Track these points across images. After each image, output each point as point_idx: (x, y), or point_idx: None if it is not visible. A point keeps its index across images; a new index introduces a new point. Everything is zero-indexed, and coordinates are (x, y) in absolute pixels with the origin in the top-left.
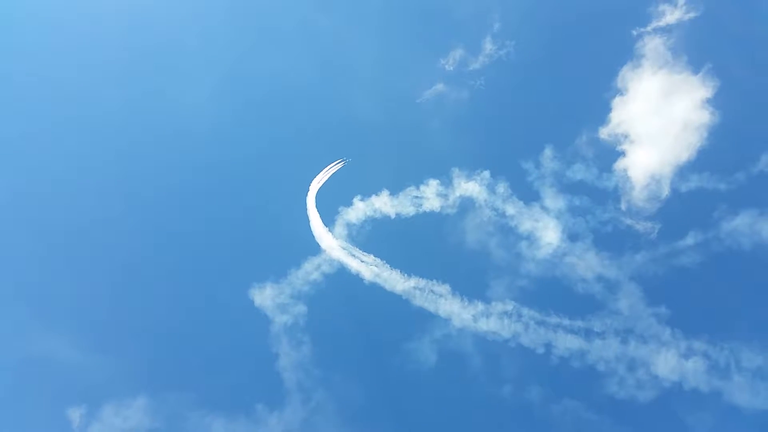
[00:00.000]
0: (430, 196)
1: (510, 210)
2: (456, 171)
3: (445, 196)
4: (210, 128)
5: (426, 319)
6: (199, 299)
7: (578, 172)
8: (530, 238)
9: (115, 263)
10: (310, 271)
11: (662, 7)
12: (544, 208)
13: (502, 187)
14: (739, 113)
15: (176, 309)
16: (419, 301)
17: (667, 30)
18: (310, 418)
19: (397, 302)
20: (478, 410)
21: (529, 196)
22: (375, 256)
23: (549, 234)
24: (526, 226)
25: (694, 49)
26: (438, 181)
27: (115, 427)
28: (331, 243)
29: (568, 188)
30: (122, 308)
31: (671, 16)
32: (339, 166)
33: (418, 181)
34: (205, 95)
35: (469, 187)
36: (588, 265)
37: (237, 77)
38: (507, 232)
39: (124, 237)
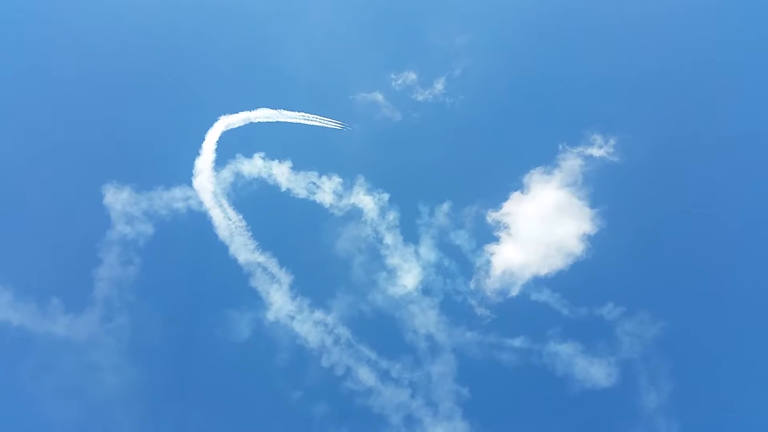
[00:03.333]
0: (327, 190)
1: (388, 239)
2: (361, 179)
3: (340, 197)
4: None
5: (257, 295)
6: (45, 171)
7: (459, 238)
8: (391, 273)
9: None
10: (176, 198)
11: (595, 137)
12: (416, 254)
13: (392, 216)
14: (608, 260)
15: (13, 170)
16: (257, 278)
17: (588, 158)
18: (100, 336)
19: (237, 269)
20: (260, 403)
21: (410, 236)
22: (243, 217)
23: (408, 278)
24: (393, 260)
25: (601, 188)
26: (341, 180)
27: None
28: (207, 184)
29: (445, 247)
30: None
31: (598, 150)
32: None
33: (324, 171)
34: None
35: (365, 200)
36: (425, 321)
37: None
38: (375, 257)
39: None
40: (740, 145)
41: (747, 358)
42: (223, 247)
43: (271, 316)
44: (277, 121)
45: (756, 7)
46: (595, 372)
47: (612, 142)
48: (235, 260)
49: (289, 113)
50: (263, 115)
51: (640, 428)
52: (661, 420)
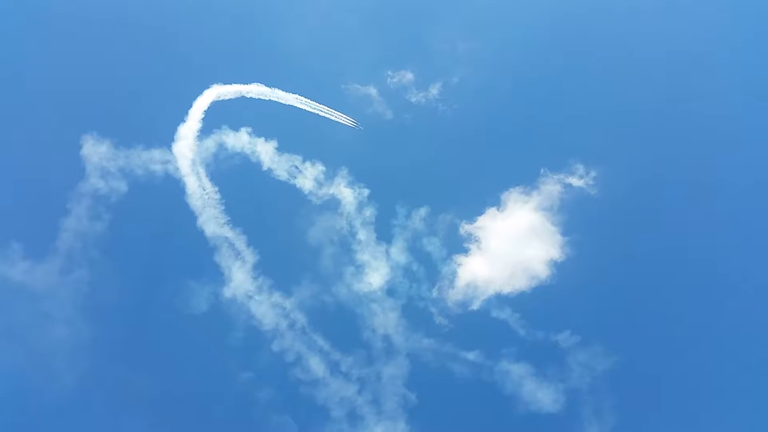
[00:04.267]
0: (309, 176)
1: (361, 235)
2: (344, 171)
3: (320, 185)
4: None
5: (219, 270)
6: (27, 112)
7: (430, 244)
8: (359, 269)
9: None
10: (155, 159)
11: (578, 166)
12: (387, 253)
13: (369, 212)
14: (571, 288)
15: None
16: (222, 252)
17: (568, 186)
18: (56, 287)
19: (204, 241)
20: (206, 379)
21: (384, 235)
22: (219, 190)
23: (375, 276)
24: (363, 257)
25: (576, 217)
26: (324, 168)
27: None
28: (186, 151)
29: (416, 251)
30: None
31: (578, 180)
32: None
33: (309, 156)
34: None
35: (345, 192)
36: (385, 321)
37: None
38: (345, 250)
39: None
40: (713, 197)
41: (694, 403)
42: (192, 217)
43: (228, 292)
44: (270, 100)
45: (740, 54)
46: (543, 396)
47: (593, 174)
48: (202, 231)
49: (282, 93)
50: (257, 91)
51: None
52: None
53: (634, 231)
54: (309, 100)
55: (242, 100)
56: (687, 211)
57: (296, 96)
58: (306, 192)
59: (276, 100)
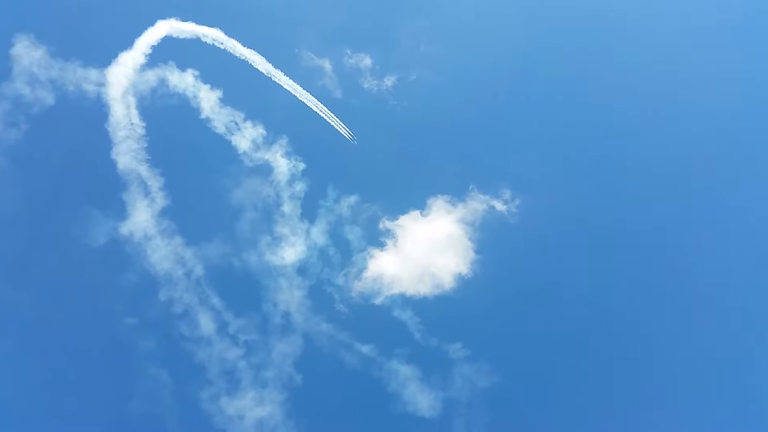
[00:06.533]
0: (247, 135)
1: (287, 208)
2: (285, 140)
3: (257, 148)
4: None
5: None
6: None
7: (351, 233)
8: (275, 240)
9: None
10: (90, 79)
11: (505, 191)
12: (307, 233)
13: (299, 187)
14: (471, 304)
15: None
16: (131, 189)
17: (491, 208)
18: None
19: (115, 173)
20: (88, 316)
21: (309, 213)
22: (146, 126)
23: (290, 252)
24: (283, 230)
25: (492, 239)
26: (265, 132)
27: None
28: (122, 78)
29: (336, 236)
30: None
31: (501, 205)
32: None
33: (252, 116)
34: None
35: (280, 162)
36: (288, 298)
37: None
38: (266, 218)
39: None
40: (627, 250)
41: None
42: (110, 146)
43: (126, 228)
44: (225, 49)
45: (683, 110)
46: (422, 400)
47: (516, 202)
48: (114, 163)
49: (239, 46)
50: (214, 35)
51: None
52: None
53: (542, 266)
54: (267, 62)
55: (197, 42)
56: (597, 257)
57: (253, 52)
58: (240, 151)
59: (230, 51)
